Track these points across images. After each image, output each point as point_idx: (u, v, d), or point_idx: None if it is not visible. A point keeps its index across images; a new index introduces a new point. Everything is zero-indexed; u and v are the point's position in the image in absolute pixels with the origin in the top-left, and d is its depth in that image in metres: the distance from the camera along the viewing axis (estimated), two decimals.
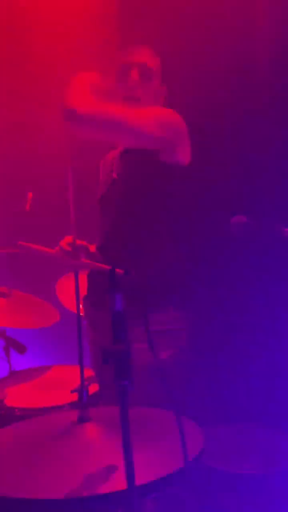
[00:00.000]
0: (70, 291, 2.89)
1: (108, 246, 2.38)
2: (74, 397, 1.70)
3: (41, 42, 3.40)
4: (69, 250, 2.36)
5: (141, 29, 2.94)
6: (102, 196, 2.46)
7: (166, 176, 2.32)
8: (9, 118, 3.56)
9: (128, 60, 2.38)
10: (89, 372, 2.43)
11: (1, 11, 3.49)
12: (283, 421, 2.50)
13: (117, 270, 1.47)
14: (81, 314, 2.06)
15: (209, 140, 2.86)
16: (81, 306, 2.39)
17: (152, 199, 2.33)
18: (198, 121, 2.57)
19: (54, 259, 2.51)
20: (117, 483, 1.37)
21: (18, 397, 2.58)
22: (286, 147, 2.81)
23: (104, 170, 2.57)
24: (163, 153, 2.30)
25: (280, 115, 2.82)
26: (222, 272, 2.91)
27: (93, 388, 2.41)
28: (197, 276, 2.52)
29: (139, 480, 1.34)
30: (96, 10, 3.28)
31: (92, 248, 2.47)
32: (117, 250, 2.33)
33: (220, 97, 2.93)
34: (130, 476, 1.31)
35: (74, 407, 1.77)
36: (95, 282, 2.43)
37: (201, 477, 2.12)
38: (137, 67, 2.35)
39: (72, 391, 1.71)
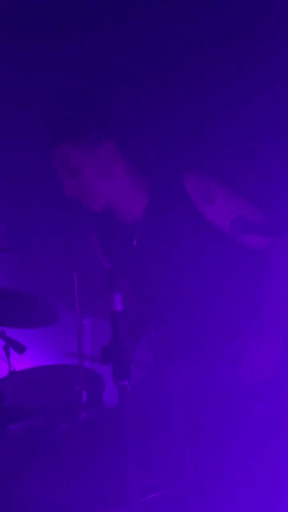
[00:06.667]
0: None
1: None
2: (74, 397, 1.70)
3: None
4: None
5: None
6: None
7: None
8: None
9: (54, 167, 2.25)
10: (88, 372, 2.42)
11: None
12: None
13: None
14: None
15: None
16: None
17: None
18: None
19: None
20: (117, 483, 1.37)
21: (18, 397, 2.58)
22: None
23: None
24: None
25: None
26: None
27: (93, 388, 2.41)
28: None
29: (139, 480, 1.33)
30: None
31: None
32: None
33: None
34: (130, 476, 1.31)
35: (73, 408, 1.77)
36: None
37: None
38: (62, 173, 2.24)
39: (71, 392, 1.71)
